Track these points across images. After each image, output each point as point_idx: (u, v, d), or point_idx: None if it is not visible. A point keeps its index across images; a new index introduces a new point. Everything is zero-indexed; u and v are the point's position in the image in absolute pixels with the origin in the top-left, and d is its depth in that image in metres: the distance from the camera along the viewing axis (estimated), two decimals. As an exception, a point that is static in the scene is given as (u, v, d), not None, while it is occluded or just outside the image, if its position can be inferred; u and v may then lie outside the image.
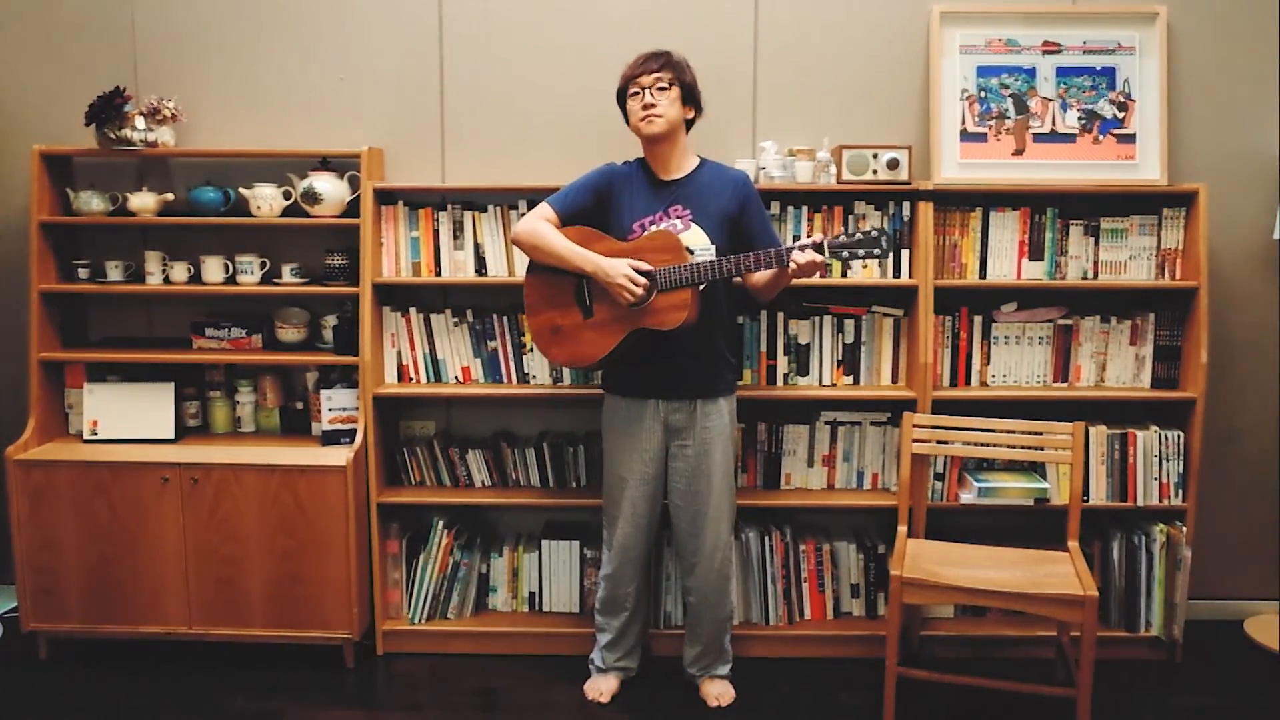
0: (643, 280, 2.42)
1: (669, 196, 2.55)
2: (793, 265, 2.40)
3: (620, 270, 2.42)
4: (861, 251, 2.41)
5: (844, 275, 2.93)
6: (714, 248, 2.51)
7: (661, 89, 2.48)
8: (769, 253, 2.42)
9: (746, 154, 3.02)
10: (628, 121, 2.57)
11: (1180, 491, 2.91)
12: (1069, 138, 2.96)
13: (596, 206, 2.57)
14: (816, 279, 2.90)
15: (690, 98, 2.54)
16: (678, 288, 2.44)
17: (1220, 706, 2.74)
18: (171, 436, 3.02)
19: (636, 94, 2.50)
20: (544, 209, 2.55)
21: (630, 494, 2.64)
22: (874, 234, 2.40)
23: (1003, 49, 2.98)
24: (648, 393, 2.60)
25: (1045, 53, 2.98)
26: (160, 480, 2.83)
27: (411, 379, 3.03)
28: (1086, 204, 2.95)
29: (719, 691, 2.74)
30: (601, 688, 2.76)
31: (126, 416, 3.02)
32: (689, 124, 2.58)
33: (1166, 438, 2.90)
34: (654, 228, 2.51)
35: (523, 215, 2.93)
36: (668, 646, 2.99)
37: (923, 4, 2.99)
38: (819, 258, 2.38)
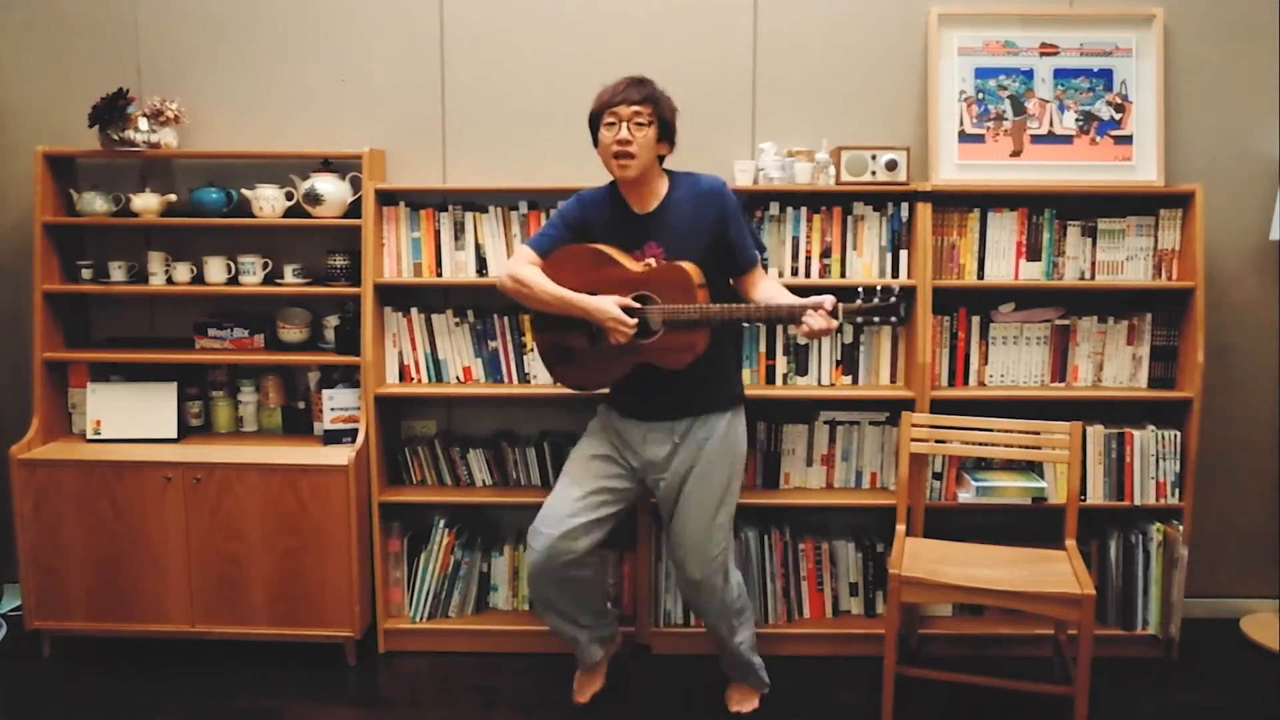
0: (631, 321, 2.34)
1: (643, 233, 2.43)
2: (805, 327, 2.26)
3: (608, 313, 2.33)
4: (877, 318, 2.30)
5: (842, 275, 2.95)
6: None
7: (639, 124, 2.34)
8: (780, 308, 2.31)
9: (745, 155, 3.03)
10: (596, 145, 2.43)
11: (1177, 490, 2.93)
12: (1066, 139, 2.98)
13: (574, 240, 2.46)
14: (815, 279, 2.94)
15: (667, 134, 2.40)
16: (684, 329, 2.34)
17: (1217, 704, 2.75)
18: (174, 436, 3.03)
19: (612, 124, 2.35)
20: (525, 252, 2.46)
21: (577, 489, 2.51)
22: (893, 300, 2.28)
23: (1000, 51, 2.99)
24: (638, 414, 2.52)
25: (1043, 54, 2.99)
26: (163, 479, 2.85)
27: (413, 379, 3.04)
28: (1084, 205, 2.97)
29: (741, 696, 2.72)
30: (583, 686, 2.75)
31: (129, 416, 3.04)
32: (660, 158, 2.45)
33: (1163, 437, 2.92)
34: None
35: (523, 216, 2.96)
36: (668, 645, 3.00)
37: (921, 6, 3.00)
38: (832, 324, 2.25)
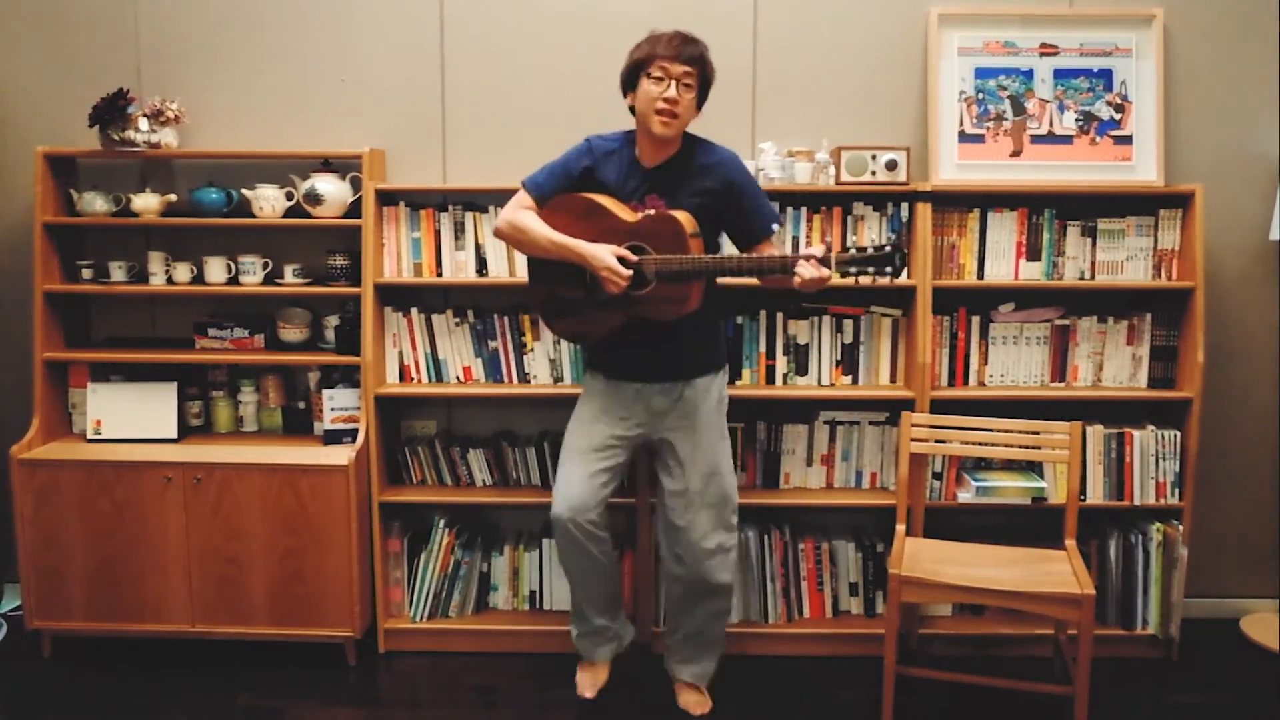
0: (625, 271, 2.32)
1: (647, 185, 2.42)
2: (798, 278, 2.25)
3: (603, 262, 2.31)
4: (872, 268, 2.25)
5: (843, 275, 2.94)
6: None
7: (687, 86, 2.33)
8: (773, 258, 2.32)
9: (746, 155, 3.02)
10: (625, 92, 2.42)
11: (1177, 490, 2.93)
12: (1066, 139, 2.98)
13: (574, 187, 2.44)
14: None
15: (702, 100, 2.42)
16: (678, 280, 2.34)
17: (1216, 704, 2.75)
18: (174, 436, 3.03)
19: (660, 79, 2.32)
20: (522, 197, 2.44)
21: (584, 450, 2.53)
22: (887, 249, 2.23)
23: (1000, 51, 3.00)
24: (630, 375, 2.52)
25: (1043, 55, 2.99)
26: (163, 479, 2.85)
27: (413, 379, 3.04)
28: (1084, 205, 2.97)
29: (696, 700, 2.69)
30: (588, 680, 2.73)
31: (130, 416, 3.04)
32: None
33: (1163, 437, 2.92)
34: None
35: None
36: (667, 645, 3.00)
37: (921, 6, 3.00)
38: (825, 273, 2.23)
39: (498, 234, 2.49)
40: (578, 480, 2.53)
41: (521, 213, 2.43)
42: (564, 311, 2.51)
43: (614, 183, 2.44)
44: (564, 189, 2.45)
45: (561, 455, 2.61)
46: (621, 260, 2.33)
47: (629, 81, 2.41)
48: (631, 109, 2.44)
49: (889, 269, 2.24)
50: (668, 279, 2.34)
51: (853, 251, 2.26)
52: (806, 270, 2.24)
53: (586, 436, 2.56)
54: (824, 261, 2.24)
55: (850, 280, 2.30)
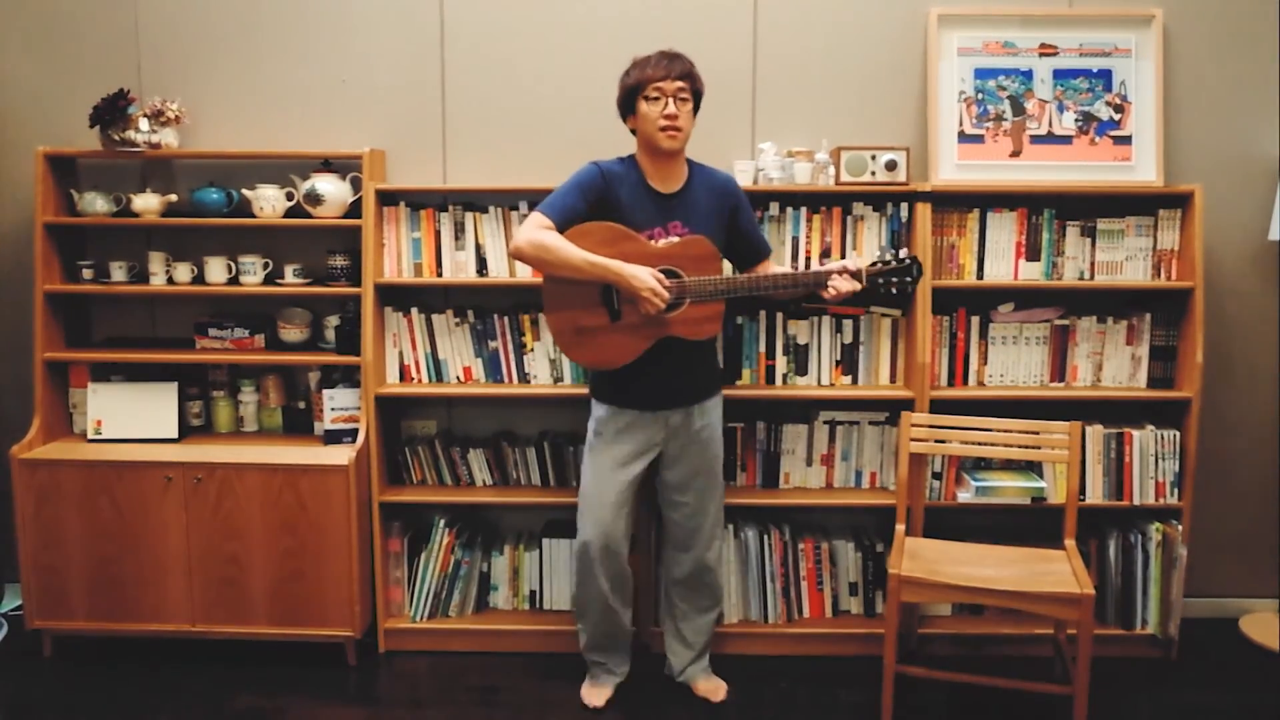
0: (666, 293, 2.37)
1: (668, 211, 2.48)
2: (831, 291, 2.47)
3: (646, 283, 2.35)
4: (895, 279, 2.51)
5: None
6: None
7: (684, 100, 2.42)
8: (806, 274, 2.51)
9: (745, 155, 3.04)
10: (624, 117, 2.50)
11: (1176, 490, 2.93)
12: (1066, 139, 2.98)
13: (590, 211, 2.43)
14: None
15: (695, 111, 2.48)
16: (713, 299, 2.45)
17: (1216, 704, 2.76)
18: (175, 436, 3.04)
19: (657, 99, 2.41)
20: (541, 219, 2.39)
21: (616, 496, 2.57)
22: (907, 261, 2.51)
23: (1000, 51, 3.00)
24: (651, 404, 2.54)
25: (1042, 55, 2.99)
26: (164, 479, 2.85)
27: (413, 379, 3.05)
28: (1083, 205, 2.97)
29: (714, 686, 2.77)
30: (596, 694, 2.74)
31: (130, 416, 3.04)
32: None
33: (1162, 437, 2.92)
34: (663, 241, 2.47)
35: (524, 216, 2.96)
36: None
37: (920, 6, 3.00)
38: (858, 285, 2.48)
39: (518, 255, 2.40)
40: (610, 517, 2.58)
41: (545, 232, 2.37)
42: (586, 340, 2.48)
43: (628, 207, 2.46)
44: (581, 213, 2.43)
45: (590, 490, 2.60)
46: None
47: (626, 107, 2.49)
48: (633, 131, 2.51)
49: (909, 279, 2.51)
50: (700, 299, 2.44)
51: (879, 264, 2.51)
52: (843, 284, 2.47)
53: (615, 483, 2.57)
54: (856, 275, 2.48)
55: (875, 287, 2.53)
